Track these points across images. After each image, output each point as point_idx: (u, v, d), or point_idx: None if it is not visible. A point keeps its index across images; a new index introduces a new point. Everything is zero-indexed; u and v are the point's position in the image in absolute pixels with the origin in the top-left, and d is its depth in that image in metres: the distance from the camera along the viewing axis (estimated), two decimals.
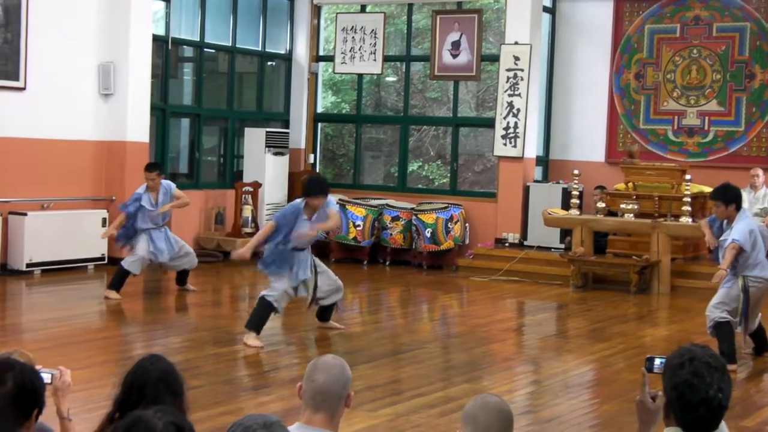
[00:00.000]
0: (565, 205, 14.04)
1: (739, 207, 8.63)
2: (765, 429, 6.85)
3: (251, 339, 8.67)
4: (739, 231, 8.43)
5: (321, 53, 16.96)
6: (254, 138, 15.44)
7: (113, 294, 10.82)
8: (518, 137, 14.65)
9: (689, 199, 12.89)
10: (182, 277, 11.62)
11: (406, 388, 7.57)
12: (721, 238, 8.68)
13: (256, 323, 8.74)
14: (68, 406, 3.64)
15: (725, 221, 8.70)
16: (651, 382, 3.37)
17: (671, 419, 3.10)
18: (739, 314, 8.55)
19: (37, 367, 3.35)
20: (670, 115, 14.86)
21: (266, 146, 15.30)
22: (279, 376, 7.93)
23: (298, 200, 9.00)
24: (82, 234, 12.68)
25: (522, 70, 14.64)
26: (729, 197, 8.60)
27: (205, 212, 14.92)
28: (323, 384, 3.42)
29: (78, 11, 13.08)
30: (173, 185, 11.38)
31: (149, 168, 11.28)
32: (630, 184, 13.74)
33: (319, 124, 17.18)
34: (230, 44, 15.71)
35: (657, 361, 3.35)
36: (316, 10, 16.76)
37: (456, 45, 15.48)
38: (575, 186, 13.59)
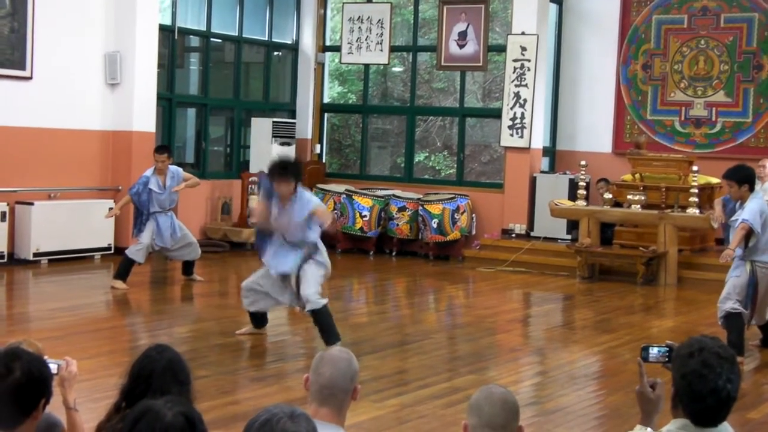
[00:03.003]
0: (572, 196, 14.01)
1: (752, 188, 8.58)
2: None
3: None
4: (749, 211, 8.37)
5: (327, 43, 16.94)
6: (261, 128, 15.43)
7: (119, 284, 10.83)
8: (525, 128, 14.63)
9: (696, 190, 12.86)
10: (188, 267, 11.62)
11: (412, 379, 7.57)
12: (732, 219, 8.65)
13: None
14: (74, 396, 3.64)
15: (738, 203, 8.66)
16: (648, 372, 3.36)
17: (679, 410, 3.09)
18: (744, 297, 8.51)
19: (44, 357, 3.35)
20: (677, 106, 14.82)
21: (273, 136, 15.29)
22: (285, 367, 7.93)
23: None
24: (89, 223, 12.69)
25: (529, 60, 14.61)
26: (741, 177, 8.54)
27: (211, 202, 14.93)
28: (330, 378, 3.39)
29: (85, 1, 13.07)
30: (181, 170, 11.42)
31: (159, 150, 11.29)
32: (637, 175, 13.72)
33: (326, 115, 17.16)
34: (237, 34, 15.70)
35: (653, 351, 3.34)
36: (323, 0, 16.73)
37: (463, 35, 15.45)
38: (582, 177, 13.56)
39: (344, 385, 3.41)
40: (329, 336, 8.18)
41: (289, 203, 8.09)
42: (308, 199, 8.24)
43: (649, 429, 3.28)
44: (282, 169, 8.08)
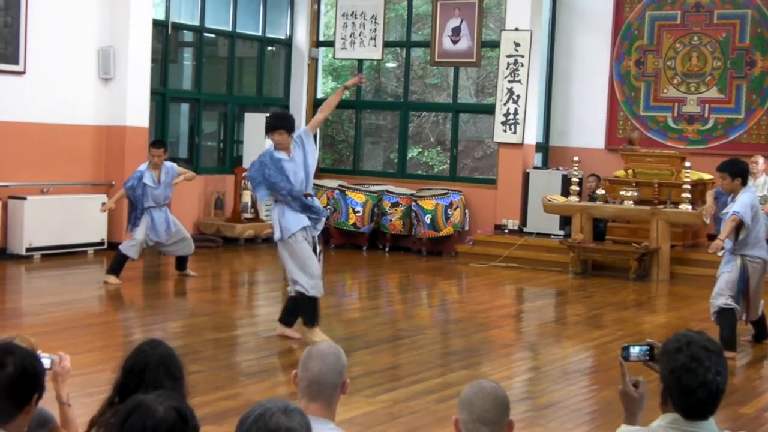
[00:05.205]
0: (565, 192, 14.03)
1: (744, 182, 8.65)
2: (764, 416, 6.87)
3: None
4: (740, 203, 8.44)
5: (321, 38, 16.94)
6: (254, 123, 15.39)
7: (112, 279, 10.83)
8: (518, 124, 14.64)
9: (689, 186, 12.89)
10: (182, 262, 11.62)
11: (405, 374, 7.58)
12: (723, 211, 8.70)
13: None
14: (67, 391, 3.65)
15: (730, 196, 8.71)
16: (630, 371, 3.37)
17: (668, 405, 3.10)
18: (736, 292, 8.54)
19: (37, 352, 3.36)
20: (670, 102, 14.85)
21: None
22: (278, 362, 7.94)
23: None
24: (82, 218, 12.69)
25: (522, 56, 14.62)
26: (736, 170, 8.61)
27: (204, 197, 14.92)
28: (318, 373, 3.39)
29: None
30: (176, 166, 11.42)
31: (156, 144, 11.31)
32: (630, 171, 13.74)
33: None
34: (230, 29, 15.69)
35: (633, 350, 3.35)
36: None
37: (456, 31, 15.45)
38: (575, 173, 13.58)
39: (333, 379, 3.41)
40: (291, 318, 8.44)
41: (290, 154, 8.27)
42: (310, 141, 8.47)
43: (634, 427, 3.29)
44: (278, 120, 8.43)
